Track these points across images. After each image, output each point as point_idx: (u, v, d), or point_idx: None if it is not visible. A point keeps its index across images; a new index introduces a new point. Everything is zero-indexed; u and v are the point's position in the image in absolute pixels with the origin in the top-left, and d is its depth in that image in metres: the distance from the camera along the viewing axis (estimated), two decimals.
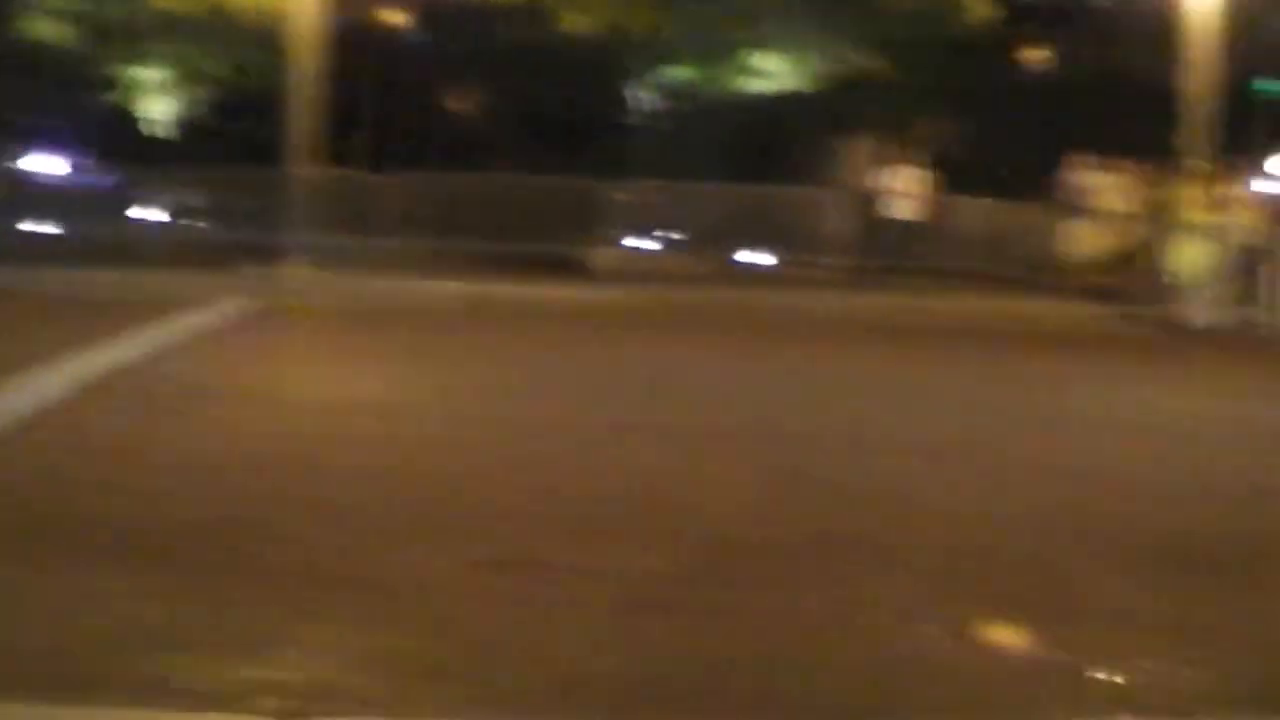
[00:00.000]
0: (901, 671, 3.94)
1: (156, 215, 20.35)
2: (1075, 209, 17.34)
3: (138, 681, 3.61)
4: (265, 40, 18.44)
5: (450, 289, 14.65)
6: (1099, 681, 3.98)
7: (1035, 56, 27.10)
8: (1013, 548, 5.38)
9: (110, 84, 23.34)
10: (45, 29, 22.23)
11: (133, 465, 6.41)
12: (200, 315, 11.76)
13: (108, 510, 5.42)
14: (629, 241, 18.65)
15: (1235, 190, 15.76)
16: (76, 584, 4.39)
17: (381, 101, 22.39)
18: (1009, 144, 25.91)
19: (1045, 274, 17.31)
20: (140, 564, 4.66)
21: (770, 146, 24.75)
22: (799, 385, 9.68)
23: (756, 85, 21.62)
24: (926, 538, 5.48)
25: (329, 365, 10.30)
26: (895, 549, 5.27)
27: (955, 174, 19.31)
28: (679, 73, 21.38)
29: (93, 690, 3.44)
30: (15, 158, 22.43)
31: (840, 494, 6.35)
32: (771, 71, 21.69)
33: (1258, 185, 16.16)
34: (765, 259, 18.70)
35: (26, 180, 22.24)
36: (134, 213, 20.23)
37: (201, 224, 20.78)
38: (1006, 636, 4.49)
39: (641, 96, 21.57)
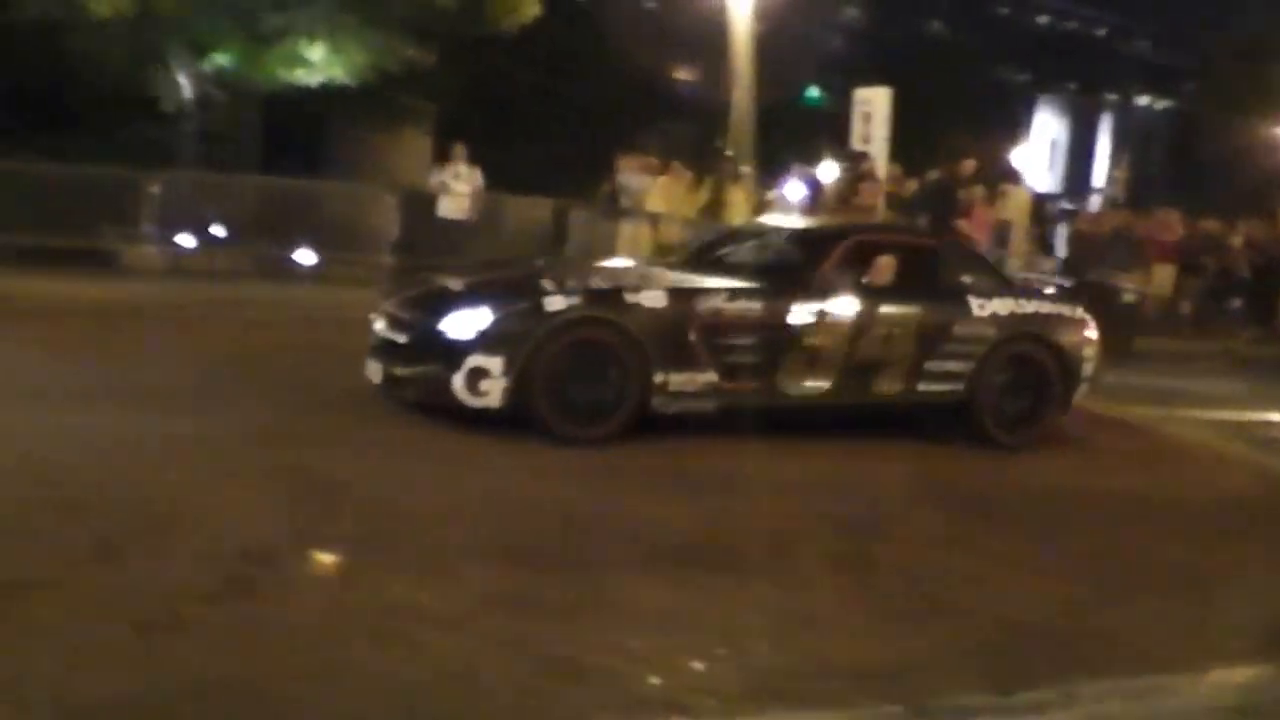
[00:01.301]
0: None
1: None
2: (625, 209, 17.77)
3: None
4: None
5: None
6: None
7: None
8: None
9: None
10: None
11: None
12: None
13: None
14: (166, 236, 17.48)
15: (778, 193, 16.58)
16: None
17: None
18: (560, 143, 26.49)
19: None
20: None
21: (314, 139, 24.12)
22: None
23: (299, 75, 20.87)
24: None
25: None
26: None
27: (502, 172, 19.38)
28: (218, 59, 20.32)
29: None
30: None
31: None
32: (314, 61, 20.99)
33: (802, 190, 16.97)
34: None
35: None
36: None
37: None
38: None
39: (180, 83, 20.34)
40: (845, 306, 8.92)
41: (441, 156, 19.54)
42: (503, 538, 6.14)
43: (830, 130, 24.98)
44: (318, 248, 17.60)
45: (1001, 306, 9.45)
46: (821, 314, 8.84)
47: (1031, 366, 9.52)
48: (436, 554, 5.79)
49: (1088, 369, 9.76)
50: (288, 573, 5.39)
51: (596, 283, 8.71)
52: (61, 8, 18.45)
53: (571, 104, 28.88)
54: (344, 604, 5.10)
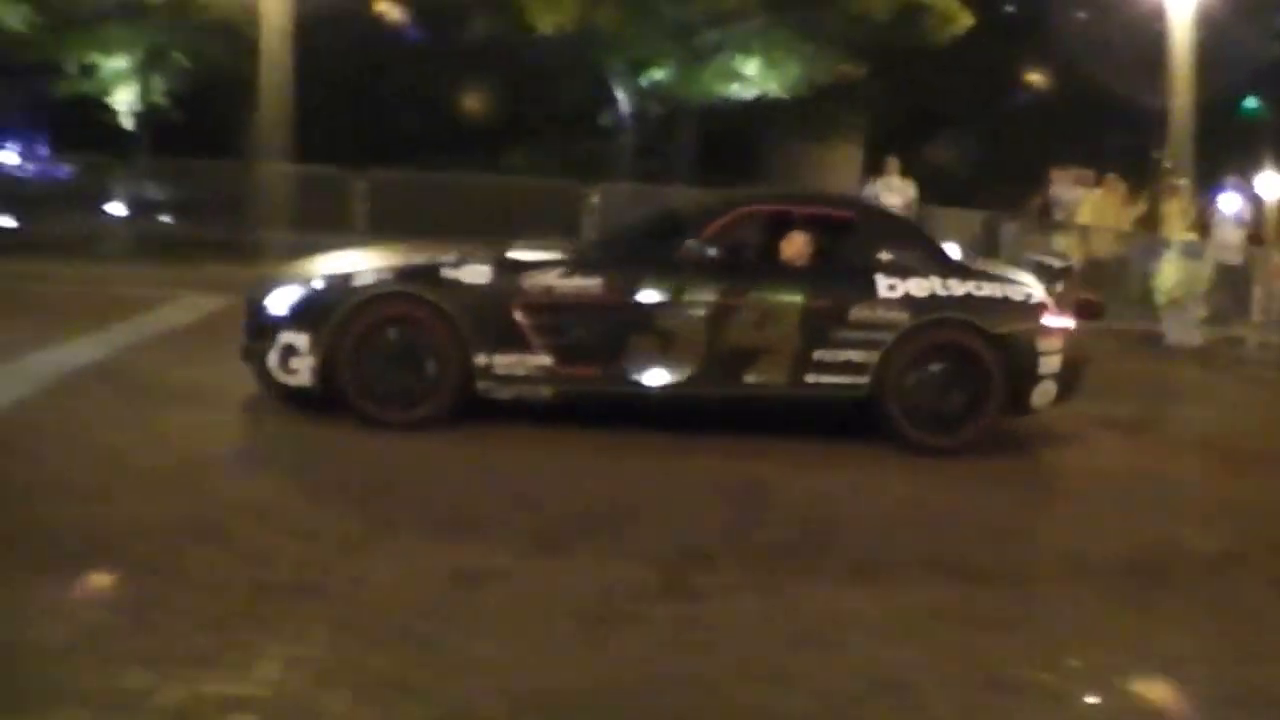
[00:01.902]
0: None
1: (118, 208, 19.57)
2: (1057, 222, 17.14)
3: None
4: (233, 29, 17.96)
5: None
6: None
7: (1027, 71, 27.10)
8: None
9: (70, 71, 22.69)
10: (3, 13, 21.54)
11: None
12: (155, 314, 11.41)
13: None
14: None
15: (1217, 208, 15.53)
16: None
17: (352, 95, 21.95)
18: (998, 157, 25.84)
19: None
20: None
21: (746, 152, 24.49)
22: None
23: (733, 89, 21.29)
24: None
25: None
26: None
27: (933, 184, 19.07)
28: (655, 75, 21.01)
29: None
30: None
31: None
32: (748, 75, 21.36)
33: (1239, 203, 15.83)
34: None
35: None
36: (97, 205, 19.37)
37: (166, 218, 20.08)
38: None
39: (619, 98, 21.19)
40: (706, 286, 7.73)
41: (873, 169, 19.43)
42: (929, 548, 5.97)
43: (1271, 142, 23.27)
44: None
45: (920, 288, 7.86)
46: (677, 293, 7.71)
47: (964, 358, 7.91)
48: (867, 562, 5.66)
49: (1050, 364, 8.00)
50: (725, 575, 5.41)
51: (425, 258, 7.87)
52: (508, 27, 19.54)
53: (1002, 116, 28.16)
54: (781, 608, 5.06)
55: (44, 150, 25.71)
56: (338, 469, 6.79)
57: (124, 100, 22.55)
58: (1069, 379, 8.09)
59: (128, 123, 22.57)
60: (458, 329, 7.46)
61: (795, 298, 7.82)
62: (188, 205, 19.52)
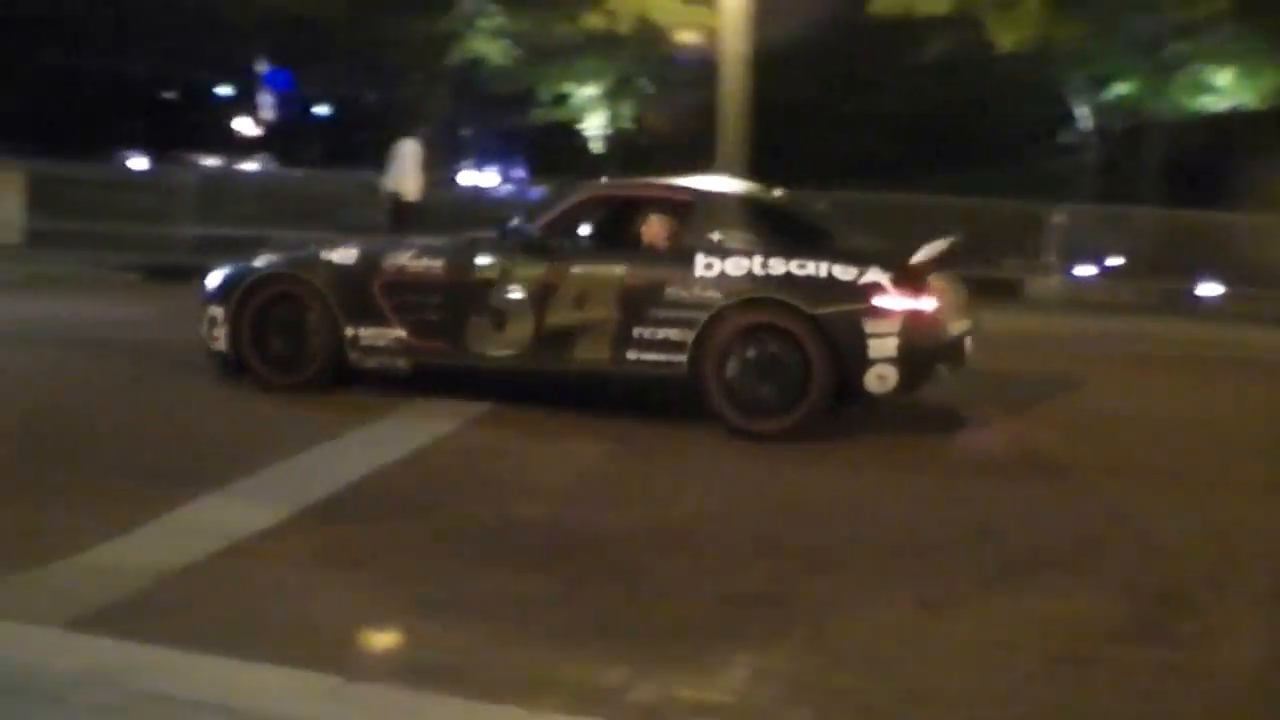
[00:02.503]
0: None
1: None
2: None
3: None
4: (693, 56, 18.56)
5: None
6: None
7: None
8: None
9: (544, 100, 24.17)
10: (485, 48, 23.20)
11: None
12: None
13: None
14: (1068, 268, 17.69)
15: None
16: None
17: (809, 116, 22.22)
18: None
19: None
20: None
21: (1218, 168, 23.10)
22: None
23: (1203, 102, 20.15)
24: None
25: None
26: None
27: None
28: (1118, 89, 20.16)
29: None
30: (454, 173, 23.45)
31: None
32: (1220, 87, 20.16)
33: None
34: (1211, 290, 17.31)
35: (466, 194, 23.13)
36: None
37: None
38: None
39: (1080, 114, 20.50)
40: (532, 266, 8.24)
41: None
42: None
43: None
44: (1222, 281, 16.87)
45: (736, 267, 7.85)
46: (504, 273, 8.27)
47: (783, 341, 7.70)
48: None
49: (883, 347, 7.54)
50: (1208, 618, 5.08)
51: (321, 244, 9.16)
52: (965, 44, 19.24)
53: None
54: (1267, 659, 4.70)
55: (520, 174, 27.47)
56: (784, 489, 6.92)
57: (594, 126, 23.82)
58: (915, 364, 7.70)
59: (597, 147, 23.81)
60: (329, 304, 8.47)
61: (614, 276, 8.09)
62: None
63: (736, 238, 8.07)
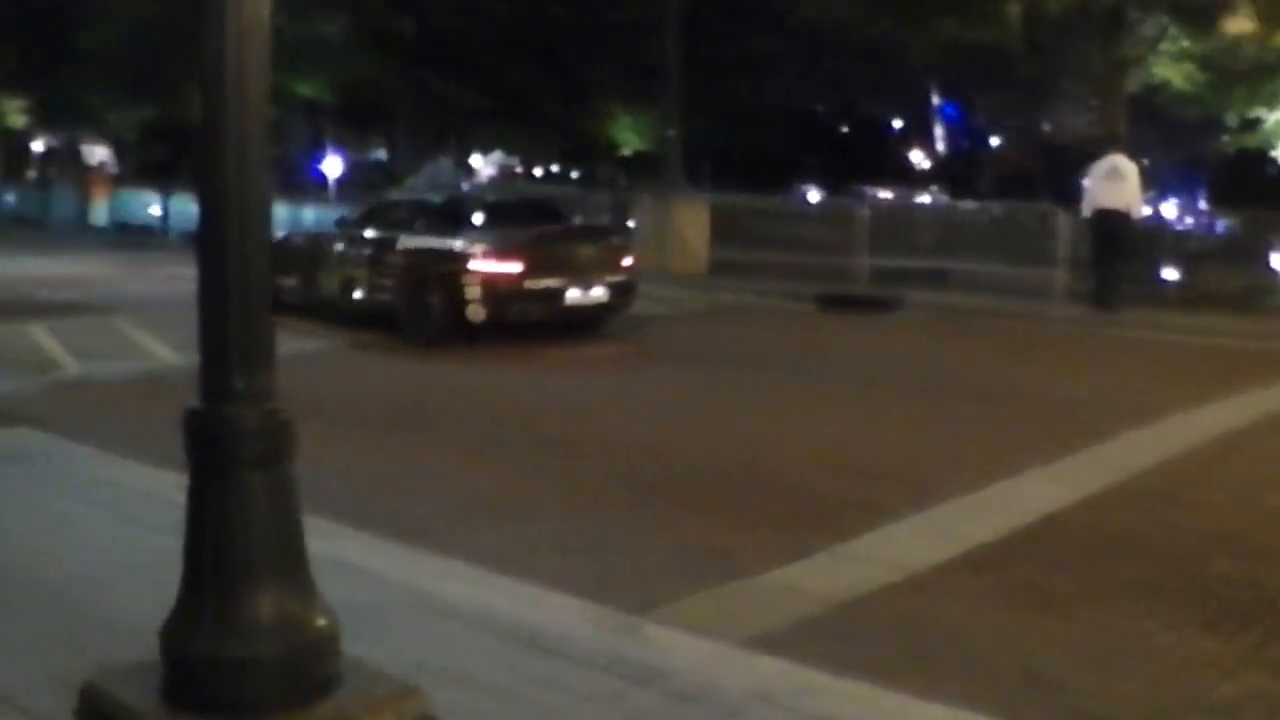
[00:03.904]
0: None
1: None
2: None
3: None
4: None
5: None
6: None
7: None
8: None
9: (1231, 125, 22.67)
10: (1168, 72, 22.12)
11: None
12: None
13: None
14: None
15: None
16: None
17: None
18: None
19: None
20: None
21: None
22: None
23: None
24: None
25: None
26: None
27: None
28: None
29: None
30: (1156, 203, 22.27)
31: None
32: None
33: None
34: None
35: (1150, 227, 21.93)
36: (1259, 259, 18.60)
37: None
38: None
39: None
40: (343, 244, 14.09)
41: None
42: None
43: None
44: None
45: (415, 243, 13.21)
46: (330, 246, 14.32)
47: (429, 288, 12.82)
48: None
49: (473, 293, 12.31)
50: None
51: None
52: None
53: None
54: None
55: (1202, 204, 25.94)
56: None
57: None
58: (493, 304, 12.10)
59: None
60: None
61: (364, 251, 13.48)
62: None
63: (434, 225, 13.16)
